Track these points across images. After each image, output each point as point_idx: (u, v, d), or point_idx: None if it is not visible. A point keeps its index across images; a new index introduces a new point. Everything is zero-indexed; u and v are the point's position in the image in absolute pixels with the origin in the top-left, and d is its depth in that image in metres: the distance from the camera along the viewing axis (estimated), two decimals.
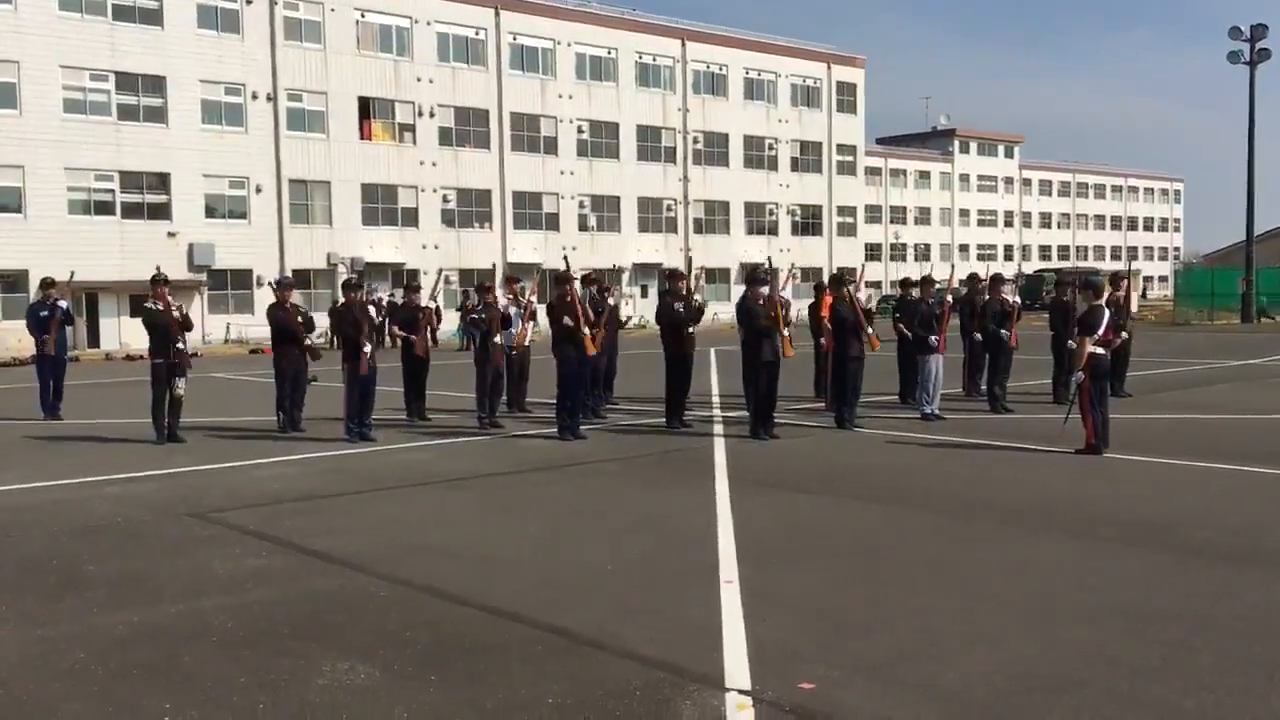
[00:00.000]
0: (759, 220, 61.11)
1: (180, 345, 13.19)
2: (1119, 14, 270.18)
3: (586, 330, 13.04)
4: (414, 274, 42.10)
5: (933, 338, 14.45)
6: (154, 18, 40.47)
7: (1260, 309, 46.38)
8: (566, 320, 13.01)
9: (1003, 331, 15.36)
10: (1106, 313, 11.50)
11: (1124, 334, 14.34)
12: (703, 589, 6.47)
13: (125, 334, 37.54)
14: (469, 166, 49.33)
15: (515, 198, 50.97)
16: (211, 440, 13.39)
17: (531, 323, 15.74)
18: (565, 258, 16.77)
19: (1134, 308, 18.21)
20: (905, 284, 16.47)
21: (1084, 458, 11.20)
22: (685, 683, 4.96)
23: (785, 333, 13.14)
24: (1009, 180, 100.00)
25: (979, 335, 15.83)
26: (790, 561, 7.19)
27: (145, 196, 40.80)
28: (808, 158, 63.33)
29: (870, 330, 13.85)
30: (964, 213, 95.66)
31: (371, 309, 13.56)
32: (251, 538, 8.03)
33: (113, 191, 40.02)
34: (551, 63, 51.99)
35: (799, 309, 21.74)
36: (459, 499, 9.70)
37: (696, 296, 14.74)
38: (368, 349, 13.14)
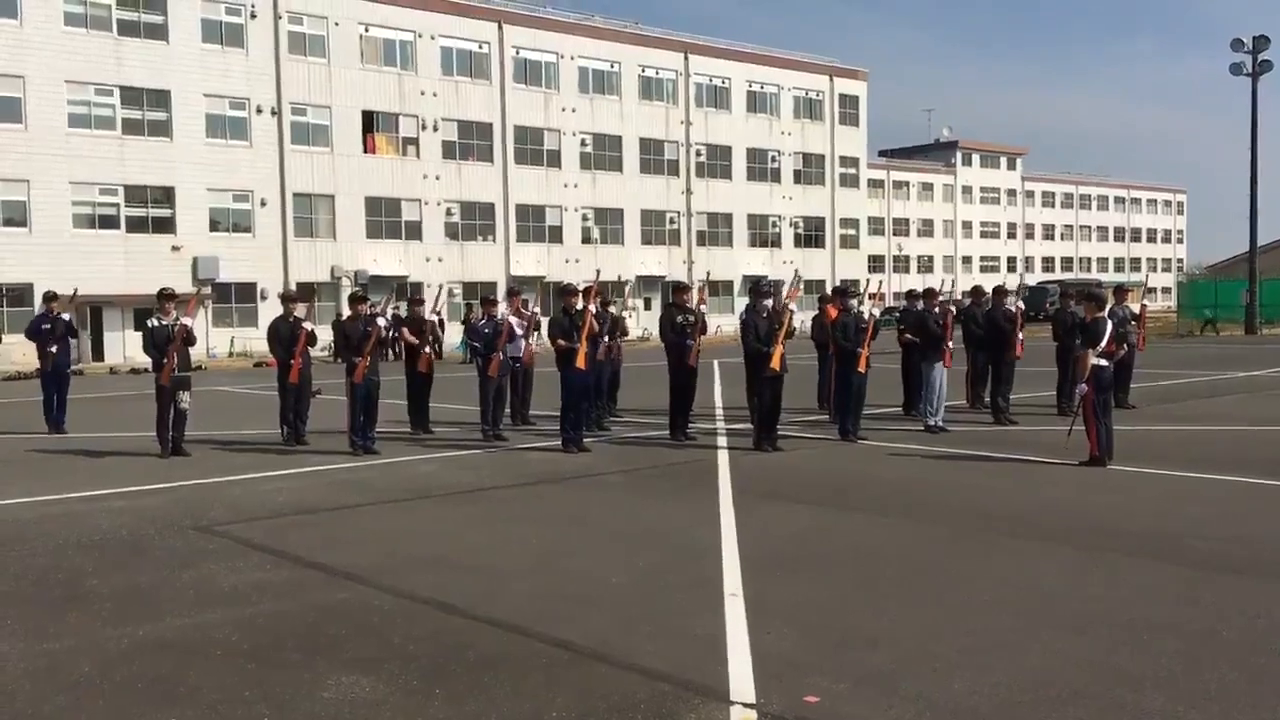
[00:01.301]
0: (762, 232, 61.23)
1: (166, 361, 13.14)
2: (1121, 25, 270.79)
3: (583, 346, 13.02)
4: (418, 287, 42.23)
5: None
6: (159, 32, 40.68)
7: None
8: (560, 341, 13.07)
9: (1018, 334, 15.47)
10: (1109, 324, 11.50)
11: (1138, 334, 14.29)
12: (707, 601, 6.47)
13: (130, 347, 37.60)
14: (472, 179, 49.47)
15: (518, 210, 51.10)
16: (216, 453, 13.41)
17: (535, 335, 15.76)
18: (598, 271, 16.85)
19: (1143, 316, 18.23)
20: (910, 295, 16.50)
21: (1087, 469, 11.19)
22: (690, 695, 4.96)
23: (779, 348, 12.98)
24: (1012, 192, 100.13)
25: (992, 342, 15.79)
26: (794, 573, 7.18)
27: (150, 210, 40.95)
28: (810, 170, 63.47)
29: (862, 350, 13.64)
30: (967, 225, 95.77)
31: (381, 321, 13.55)
32: (256, 551, 8.03)
33: (117, 205, 40.17)
34: (554, 76, 52.16)
35: (803, 320, 21.76)
36: (463, 511, 9.70)
37: (702, 307, 14.75)
38: (365, 358, 13.11)
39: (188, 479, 11.46)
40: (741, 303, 40.46)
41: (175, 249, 40.90)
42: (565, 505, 9.90)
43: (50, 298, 16.56)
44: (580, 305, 13.53)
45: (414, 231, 47.84)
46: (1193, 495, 9.97)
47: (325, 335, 18.40)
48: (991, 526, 8.60)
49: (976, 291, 16.61)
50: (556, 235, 52.43)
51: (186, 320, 13.41)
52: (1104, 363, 11.39)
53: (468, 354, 28.40)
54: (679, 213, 57.42)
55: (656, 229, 56.57)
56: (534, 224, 51.75)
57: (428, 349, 15.36)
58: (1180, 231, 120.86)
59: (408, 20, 47.07)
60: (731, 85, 59.25)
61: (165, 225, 41.13)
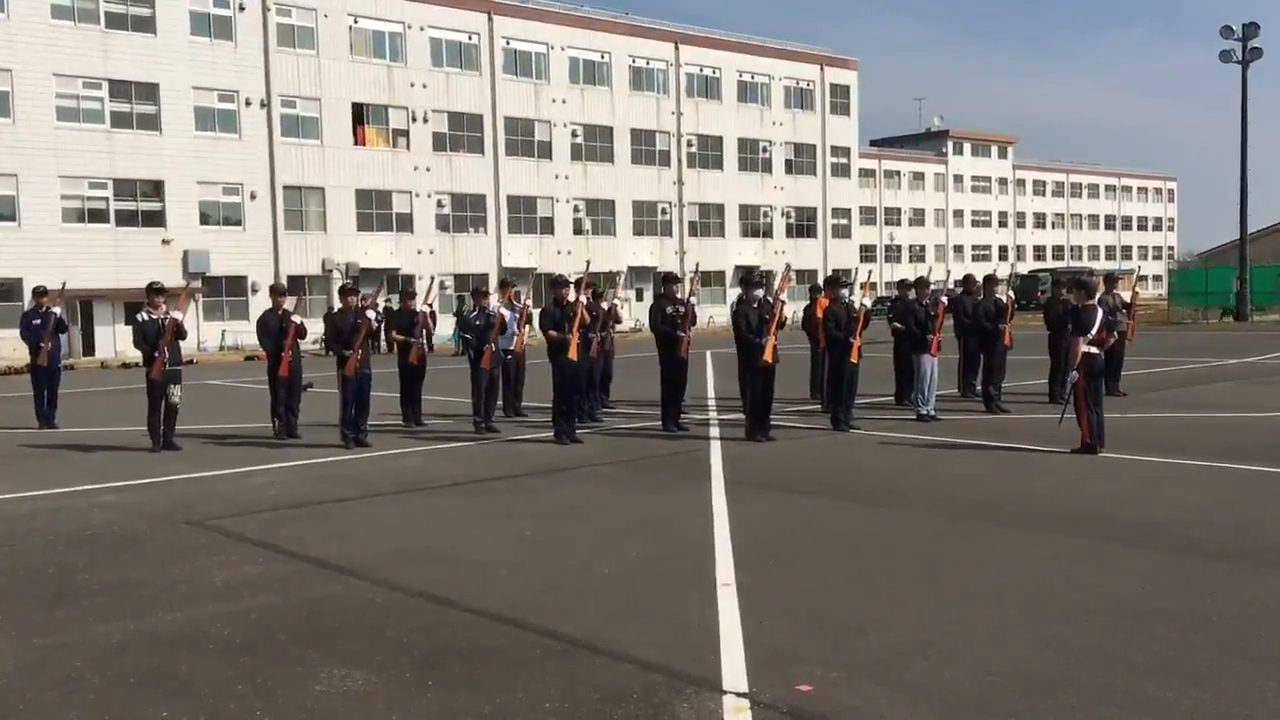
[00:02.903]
0: (753, 223, 61.19)
1: (156, 356, 13.11)
2: (1113, 13, 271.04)
3: (574, 335, 13.02)
4: (409, 279, 42.16)
5: (928, 336, 14.49)
6: (147, 25, 40.47)
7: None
8: (552, 332, 13.06)
9: (1000, 325, 15.47)
10: (1100, 312, 11.52)
11: (1128, 322, 14.27)
12: (700, 592, 6.47)
13: (120, 342, 37.47)
14: (463, 171, 49.35)
15: (510, 202, 51.01)
16: (207, 447, 13.38)
17: (527, 327, 15.74)
18: (588, 262, 16.69)
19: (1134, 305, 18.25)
20: (902, 285, 16.51)
21: (1079, 457, 11.22)
22: (683, 686, 4.96)
23: (772, 339, 12.99)
24: (1003, 181, 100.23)
25: (984, 332, 15.76)
26: (787, 563, 7.19)
27: (139, 204, 40.78)
28: (802, 160, 63.42)
29: (854, 339, 13.65)
30: (958, 214, 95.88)
31: (371, 314, 13.54)
32: (248, 545, 8.02)
33: (107, 199, 40.01)
34: (545, 67, 52.03)
35: (795, 311, 21.78)
36: (455, 504, 9.70)
37: (693, 299, 14.74)
38: (357, 351, 13.10)
39: (179, 473, 11.43)
40: (733, 293, 40.48)
41: (165, 243, 40.76)
42: (558, 497, 9.90)
43: (40, 293, 16.48)
44: (572, 297, 13.51)
45: (405, 224, 47.74)
46: (1184, 482, 10.00)
47: (316, 328, 18.37)
48: (983, 515, 8.62)
49: (968, 281, 16.63)
50: (548, 226, 52.36)
51: (176, 314, 13.37)
52: (1095, 350, 11.41)
53: (460, 346, 28.38)
54: (670, 203, 57.37)
55: (648, 220, 56.51)
56: (525, 215, 51.67)
57: (418, 340, 15.28)
58: (1171, 219, 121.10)
59: (397, 11, 46.91)
60: (722, 75, 59.16)
61: (155, 219, 40.98)
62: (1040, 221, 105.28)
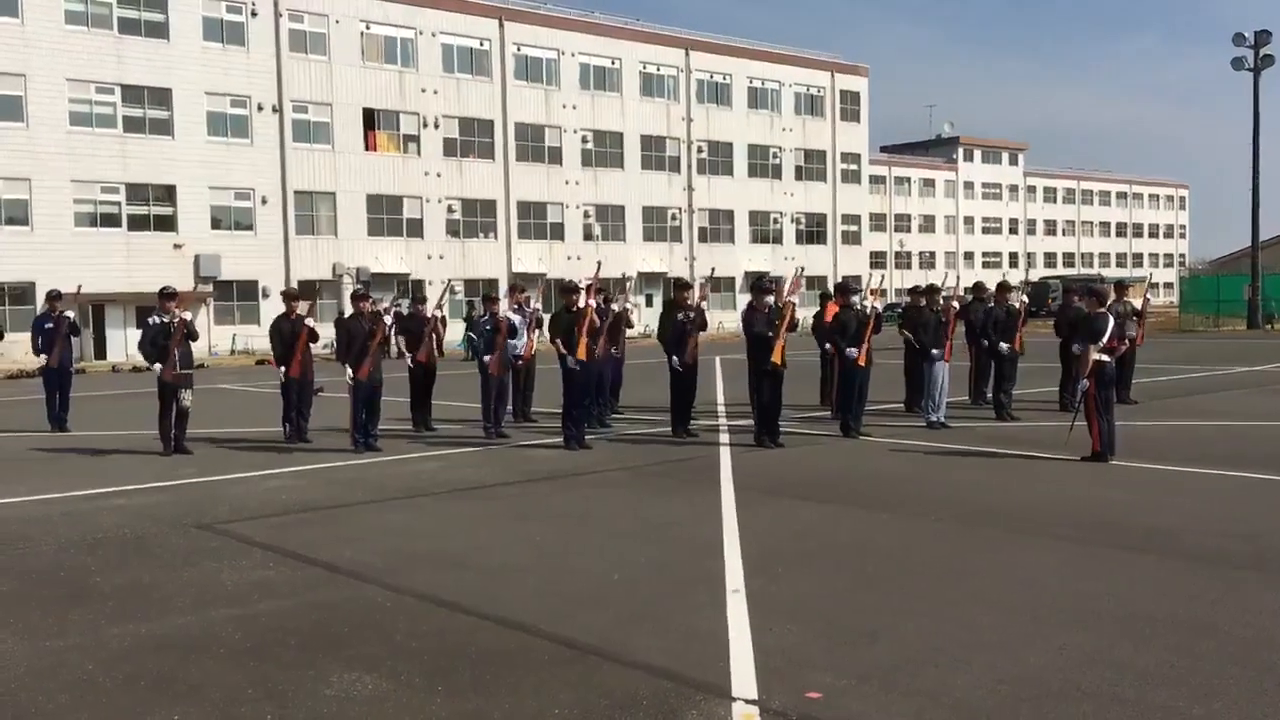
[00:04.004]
0: (763, 229, 61.19)
1: (176, 357, 13.14)
2: (1123, 19, 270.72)
3: (584, 339, 13.04)
4: (419, 284, 42.27)
5: (935, 350, 14.47)
6: (160, 30, 40.68)
7: (1270, 314, 46.15)
8: (560, 340, 13.06)
9: (1003, 346, 15.40)
10: (1111, 320, 11.50)
11: (1138, 329, 14.27)
12: (709, 598, 6.47)
13: (132, 346, 37.60)
14: (474, 177, 49.46)
15: (520, 208, 51.09)
16: (218, 452, 13.42)
17: (536, 332, 15.74)
18: (599, 263, 16.61)
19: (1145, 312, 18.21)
20: (913, 292, 16.51)
21: (1089, 465, 11.19)
22: (692, 692, 4.96)
23: (781, 342, 12.99)
24: (1013, 187, 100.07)
25: (991, 344, 15.75)
26: (796, 570, 7.19)
27: (151, 208, 40.97)
28: (812, 166, 63.42)
29: (865, 345, 13.68)
30: (968, 220, 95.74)
31: (387, 319, 13.56)
32: (258, 549, 8.04)
33: (119, 204, 40.20)
34: (555, 73, 52.13)
35: (805, 317, 21.75)
36: (465, 509, 9.71)
37: (703, 304, 14.73)
38: (367, 361, 13.14)
39: (190, 477, 11.47)
40: (743, 299, 40.45)
41: (177, 247, 40.93)
42: (567, 502, 9.91)
43: (54, 296, 16.56)
44: (581, 303, 13.53)
45: (415, 229, 47.85)
46: (1194, 490, 9.96)
47: (328, 333, 18.45)
48: (993, 522, 8.60)
49: (979, 288, 16.60)
50: (558, 232, 52.41)
51: (186, 315, 13.41)
52: (1106, 358, 11.38)
53: (469, 350, 28.41)
54: (680, 209, 57.39)
55: (658, 226, 56.54)
56: (535, 221, 51.74)
57: (430, 340, 15.27)
58: (1183, 226, 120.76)
59: (408, 17, 47.05)
60: (732, 82, 59.18)
61: (167, 223, 41.17)
62: (1051, 228, 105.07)
